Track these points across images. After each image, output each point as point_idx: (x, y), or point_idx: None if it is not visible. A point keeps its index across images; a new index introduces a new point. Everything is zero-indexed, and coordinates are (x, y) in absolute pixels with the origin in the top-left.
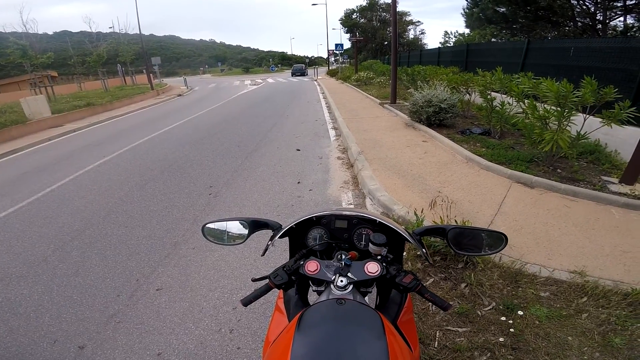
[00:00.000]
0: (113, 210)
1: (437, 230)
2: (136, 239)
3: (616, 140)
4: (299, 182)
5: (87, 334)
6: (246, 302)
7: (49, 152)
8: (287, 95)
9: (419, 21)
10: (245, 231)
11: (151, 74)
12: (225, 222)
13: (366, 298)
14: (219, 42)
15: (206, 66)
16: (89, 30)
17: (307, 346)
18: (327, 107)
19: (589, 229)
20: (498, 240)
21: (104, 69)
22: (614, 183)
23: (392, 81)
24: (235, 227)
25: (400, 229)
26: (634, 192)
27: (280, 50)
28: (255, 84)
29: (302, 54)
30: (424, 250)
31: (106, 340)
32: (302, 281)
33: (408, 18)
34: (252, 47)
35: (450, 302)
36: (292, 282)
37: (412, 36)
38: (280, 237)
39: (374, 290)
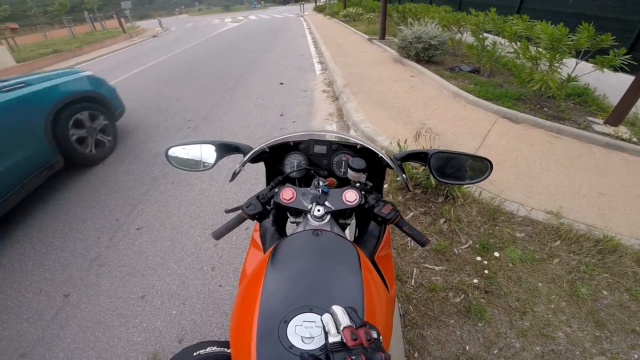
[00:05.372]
0: None
1: (418, 155)
2: (114, 175)
3: (606, 85)
4: (281, 115)
5: (71, 281)
6: (217, 235)
7: None
8: (270, 32)
9: None
10: (214, 155)
11: (122, 19)
12: (191, 145)
13: (346, 232)
14: None
15: (182, 7)
16: None
17: (279, 281)
18: (313, 42)
19: (570, 167)
20: (483, 166)
21: (69, 16)
22: (598, 124)
23: (381, 17)
24: (202, 151)
25: (381, 152)
26: (617, 133)
27: None
28: (236, 22)
29: None
30: (404, 175)
31: (90, 286)
32: (280, 212)
33: None
34: None
35: (429, 238)
36: (267, 212)
37: None
38: (253, 162)
39: (353, 222)
